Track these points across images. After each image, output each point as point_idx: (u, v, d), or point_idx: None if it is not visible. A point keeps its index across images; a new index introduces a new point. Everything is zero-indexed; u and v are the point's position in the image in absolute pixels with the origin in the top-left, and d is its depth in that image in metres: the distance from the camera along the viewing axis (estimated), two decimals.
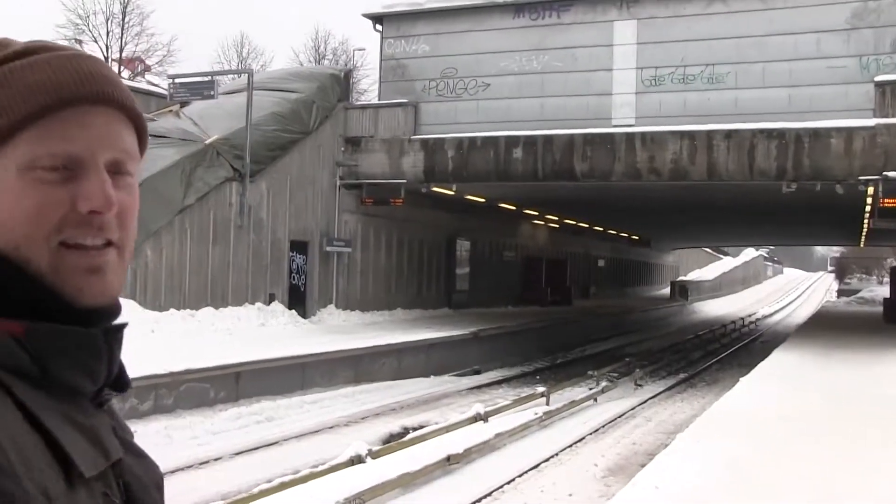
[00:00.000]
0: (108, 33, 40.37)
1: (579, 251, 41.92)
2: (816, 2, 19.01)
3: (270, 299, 20.02)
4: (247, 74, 19.42)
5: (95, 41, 40.04)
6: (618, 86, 20.70)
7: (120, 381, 1.02)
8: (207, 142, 18.53)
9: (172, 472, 10.39)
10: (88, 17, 40.01)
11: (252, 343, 15.99)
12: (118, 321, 1.00)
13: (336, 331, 19.81)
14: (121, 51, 40.87)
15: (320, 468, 9.75)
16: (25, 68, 0.95)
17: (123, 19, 40.43)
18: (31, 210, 0.92)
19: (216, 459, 11.15)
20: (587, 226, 38.55)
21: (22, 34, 1.11)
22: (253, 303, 19.29)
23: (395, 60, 22.86)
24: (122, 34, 40.57)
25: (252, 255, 19.64)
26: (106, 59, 40.49)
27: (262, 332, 17.84)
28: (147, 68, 43.64)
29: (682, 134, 19.56)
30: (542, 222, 34.80)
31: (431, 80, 22.38)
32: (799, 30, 19.11)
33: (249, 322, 18.33)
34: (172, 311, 16.67)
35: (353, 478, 9.63)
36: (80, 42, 39.83)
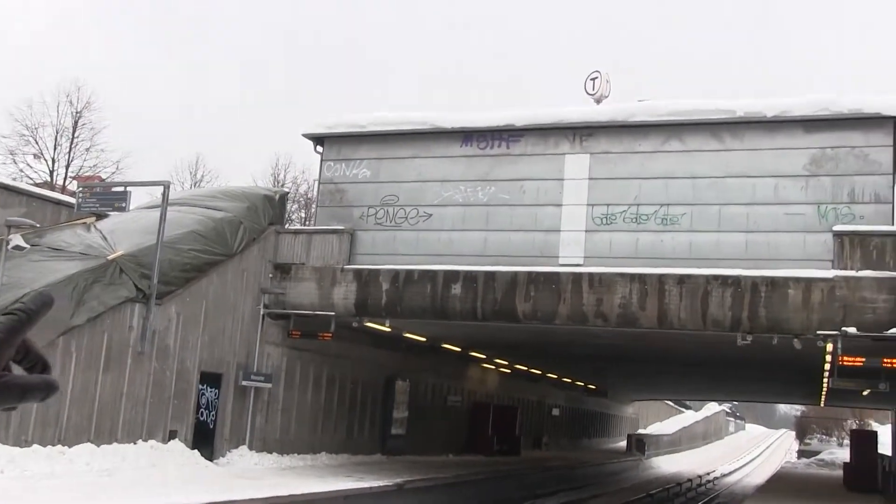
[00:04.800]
0: (55, 147, 39.09)
1: (532, 398, 39.82)
2: (775, 145, 18.08)
3: (170, 437, 17.77)
4: (163, 187, 17.89)
5: (42, 154, 38.73)
6: (567, 222, 19.40)
7: None
8: (110, 257, 16.76)
9: None
10: (37, 129, 38.77)
11: (125, 489, 13.71)
12: None
13: (241, 475, 17.51)
14: (67, 166, 39.52)
15: None
16: None
17: (73, 133, 39.25)
18: None
19: None
20: (539, 372, 36.66)
21: None
22: (147, 440, 17.03)
23: (334, 184, 21.51)
24: (71, 149, 39.31)
25: (152, 386, 17.51)
26: (51, 172, 39.11)
27: (148, 474, 15.52)
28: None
29: (632, 277, 18.14)
30: (492, 366, 32.91)
31: (371, 206, 20.98)
32: (757, 173, 18.08)
33: (137, 462, 16.04)
34: (36, 447, 14.33)
35: None
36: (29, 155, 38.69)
